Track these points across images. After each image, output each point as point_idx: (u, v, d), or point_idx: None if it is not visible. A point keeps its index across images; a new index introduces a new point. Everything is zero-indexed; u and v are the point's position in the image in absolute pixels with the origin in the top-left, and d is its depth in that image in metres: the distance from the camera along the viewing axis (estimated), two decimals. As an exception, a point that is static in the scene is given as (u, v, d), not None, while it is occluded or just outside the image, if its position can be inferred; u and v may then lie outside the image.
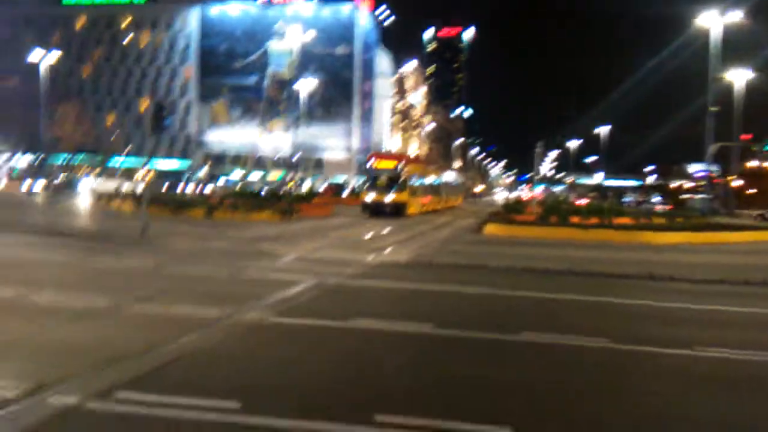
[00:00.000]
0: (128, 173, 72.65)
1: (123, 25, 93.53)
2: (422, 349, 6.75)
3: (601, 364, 6.47)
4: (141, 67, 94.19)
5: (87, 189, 50.65)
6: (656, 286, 12.05)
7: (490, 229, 22.62)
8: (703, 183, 45.95)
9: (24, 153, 72.52)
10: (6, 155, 71.87)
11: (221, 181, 70.47)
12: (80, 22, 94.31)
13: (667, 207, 53.82)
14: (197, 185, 62.49)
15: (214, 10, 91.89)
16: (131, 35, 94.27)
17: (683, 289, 11.82)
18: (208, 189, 58.63)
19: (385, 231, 21.85)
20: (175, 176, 78.28)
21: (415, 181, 34.03)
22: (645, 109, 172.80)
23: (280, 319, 7.68)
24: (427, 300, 9.89)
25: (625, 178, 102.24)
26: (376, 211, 30.35)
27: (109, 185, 53.69)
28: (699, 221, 26.03)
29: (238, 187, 58.18)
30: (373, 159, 35.22)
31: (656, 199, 75.14)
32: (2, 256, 12.52)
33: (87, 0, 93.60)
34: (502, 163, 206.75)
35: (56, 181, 51.23)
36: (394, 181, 31.41)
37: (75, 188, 50.78)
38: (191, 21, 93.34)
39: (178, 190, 59.83)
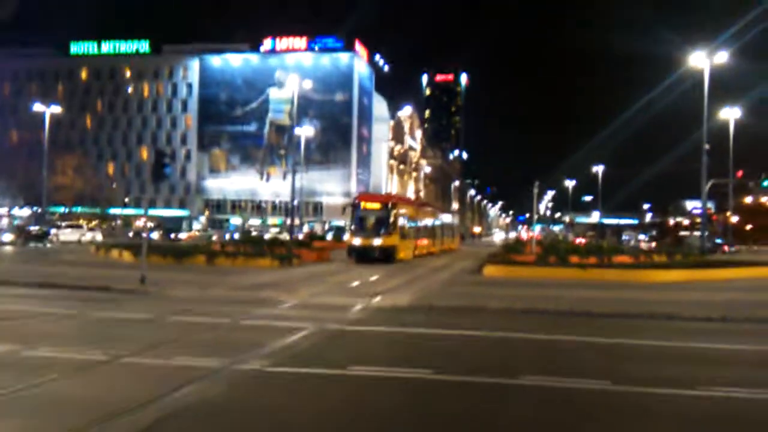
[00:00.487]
0: (127, 222, 72.91)
1: (126, 76, 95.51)
2: (421, 396, 6.71)
3: (603, 406, 6.43)
4: (143, 116, 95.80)
5: (85, 239, 50.64)
6: (657, 325, 12.03)
7: (490, 270, 22.62)
8: (699, 220, 46.21)
9: (24, 205, 72.91)
10: (5, 207, 72.20)
11: (217, 231, 70.60)
12: (84, 73, 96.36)
13: (652, 244, 54.33)
14: (206, 232, 62.85)
15: (216, 60, 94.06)
16: (133, 86, 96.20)
17: (684, 327, 11.79)
18: (215, 236, 58.77)
19: (384, 275, 21.84)
20: (174, 223, 78.55)
21: (407, 223, 31.73)
22: (640, 146, 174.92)
23: (279, 368, 7.63)
24: (426, 344, 9.84)
25: (622, 216, 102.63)
26: (363, 255, 27.81)
27: (109, 235, 53.84)
28: (698, 259, 26.07)
29: (237, 235, 58.42)
30: (357, 199, 31.13)
31: (642, 236, 75.54)
32: None
33: (93, 51, 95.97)
34: (500, 204, 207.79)
35: (61, 229, 50.68)
36: (382, 223, 28.60)
37: (72, 238, 50.05)
38: (193, 70, 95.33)
39: (180, 236, 60.06)
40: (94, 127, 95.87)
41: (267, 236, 42.87)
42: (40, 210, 61.23)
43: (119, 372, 7.40)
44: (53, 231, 46.32)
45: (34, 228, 42.33)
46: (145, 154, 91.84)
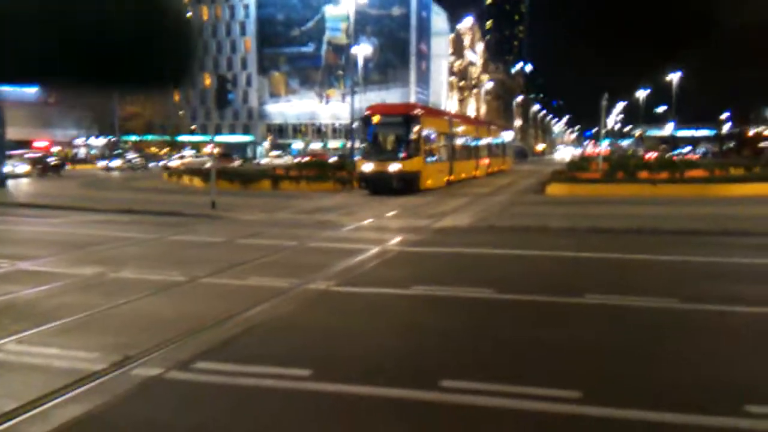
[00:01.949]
0: (196, 149, 75.16)
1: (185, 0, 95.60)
2: (485, 315, 6.85)
3: (669, 325, 6.37)
4: (203, 40, 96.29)
5: (159, 166, 52.94)
6: (729, 241, 11.60)
7: (553, 188, 22.18)
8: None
9: (98, 135, 76.17)
10: (83, 137, 75.67)
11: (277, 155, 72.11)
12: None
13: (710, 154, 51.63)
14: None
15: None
16: (192, 10, 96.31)
17: (760, 243, 11.33)
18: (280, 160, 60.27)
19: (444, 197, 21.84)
20: (241, 149, 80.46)
21: (437, 142, 25.92)
22: (719, 54, 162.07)
23: (345, 288, 7.92)
24: (487, 264, 9.92)
25: (698, 128, 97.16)
26: (377, 185, 22.31)
27: (178, 162, 55.95)
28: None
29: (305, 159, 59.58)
30: (368, 111, 23.93)
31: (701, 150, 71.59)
32: (81, 233, 13.38)
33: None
34: (566, 119, 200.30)
35: (132, 159, 53.78)
36: (400, 142, 22.77)
37: (147, 166, 53.25)
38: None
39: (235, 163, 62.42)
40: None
41: (331, 159, 42.72)
42: (114, 138, 64.04)
43: (198, 291, 7.89)
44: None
45: (51, 159, 44.46)
46: (208, 80, 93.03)
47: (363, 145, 24.21)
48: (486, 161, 36.14)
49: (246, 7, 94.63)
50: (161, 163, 56.07)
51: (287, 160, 65.69)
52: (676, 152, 66.23)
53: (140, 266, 9.29)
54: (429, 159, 24.17)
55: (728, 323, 6.41)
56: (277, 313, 6.79)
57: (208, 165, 48.73)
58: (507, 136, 47.79)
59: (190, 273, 8.65)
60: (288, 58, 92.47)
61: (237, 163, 55.22)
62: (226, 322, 6.31)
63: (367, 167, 22.57)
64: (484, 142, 36.25)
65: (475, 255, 10.71)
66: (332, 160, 37.86)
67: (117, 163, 51.02)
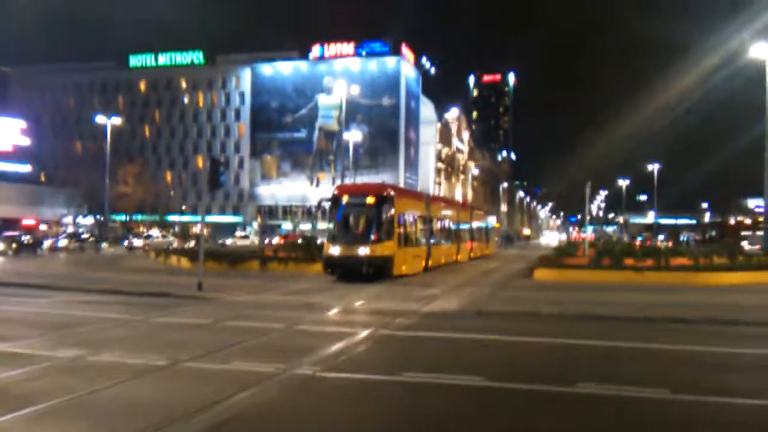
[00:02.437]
0: (184, 229, 75.16)
1: (182, 87, 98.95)
2: (474, 403, 6.67)
3: (663, 417, 6.25)
4: (198, 125, 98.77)
5: (146, 245, 52.57)
6: (719, 330, 11.58)
7: (541, 273, 22.25)
8: (761, 219, 43.98)
9: (87, 214, 76.17)
10: (71, 216, 75.56)
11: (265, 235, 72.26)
12: (143, 85, 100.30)
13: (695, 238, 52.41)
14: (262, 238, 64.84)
15: (266, 69, 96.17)
16: (189, 96, 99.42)
17: (748, 333, 11.32)
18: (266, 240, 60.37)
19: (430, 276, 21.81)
20: (229, 230, 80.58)
21: (414, 224, 24.09)
22: (695, 142, 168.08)
23: (332, 374, 7.74)
24: (477, 351, 9.78)
25: (679, 216, 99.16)
26: (344, 270, 20.26)
27: (164, 241, 55.67)
28: (763, 260, 24.92)
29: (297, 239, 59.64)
30: (337, 191, 22.23)
31: (690, 235, 72.81)
32: (59, 314, 13.10)
33: (150, 63, 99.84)
34: (550, 206, 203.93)
35: (84, 238, 52.55)
36: (371, 224, 20.63)
37: (99, 247, 51.16)
38: (245, 79, 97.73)
39: (227, 242, 62.42)
40: (153, 136, 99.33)
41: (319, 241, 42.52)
42: (102, 218, 63.97)
43: (180, 377, 7.66)
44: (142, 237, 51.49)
45: (26, 237, 44.15)
46: (200, 162, 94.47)
47: (329, 226, 22.12)
48: (468, 245, 34.70)
49: (242, 94, 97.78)
50: (125, 243, 55.05)
51: (253, 240, 65.96)
52: (683, 240, 68.04)
53: (122, 348, 9.06)
54: (404, 243, 22.32)
55: (720, 418, 6.29)
56: (261, 400, 6.59)
57: (174, 245, 48.41)
58: (491, 220, 46.84)
59: (173, 356, 8.43)
60: (280, 143, 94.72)
61: (192, 243, 53.58)
62: (207, 410, 6.10)
63: (335, 250, 20.53)
64: (466, 225, 34.86)
65: (463, 340, 10.57)
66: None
67: (64, 242, 48.93)
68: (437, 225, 28.01)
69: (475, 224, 37.72)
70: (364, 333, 10.71)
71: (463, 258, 32.80)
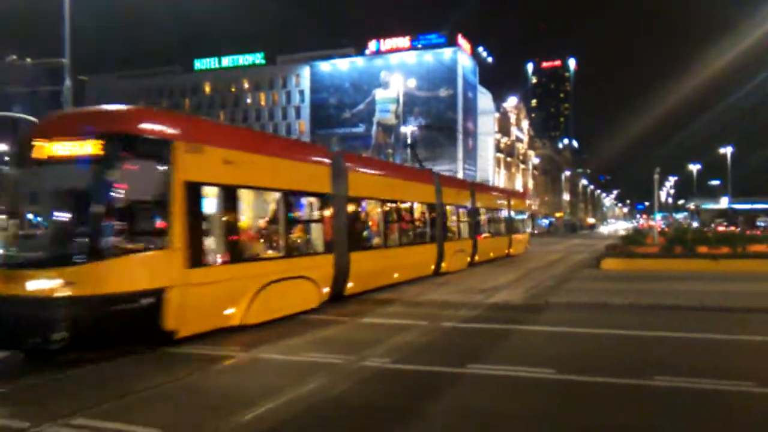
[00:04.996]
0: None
1: (244, 87, 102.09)
2: (545, 398, 6.55)
3: (748, 410, 5.98)
4: (261, 124, 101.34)
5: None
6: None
7: (609, 263, 21.60)
8: None
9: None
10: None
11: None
12: (207, 87, 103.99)
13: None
14: None
15: (325, 66, 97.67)
16: (251, 96, 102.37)
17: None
18: None
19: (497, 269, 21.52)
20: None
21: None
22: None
23: (398, 365, 7.79)
24: (545, 342, 9.61)
25: (756, 201, 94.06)
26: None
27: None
28: None
29: None
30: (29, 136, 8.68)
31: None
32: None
33: (214, 66, 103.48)
34: (615, 193, 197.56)
35: None
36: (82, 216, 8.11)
37: None
38: (304, 78, 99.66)
39: None
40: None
41: None
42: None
43: (256, 366, 7.90)
44: None
45: None
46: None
47: None
48: (520, 237, 30.94)
49: (301, 92, 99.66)
50: None
51: None
52: (761, 225, 64.47)
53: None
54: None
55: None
56: (330, 394, 6.71)
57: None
58: (518, 204, 32.29)
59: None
60: (340, 139, 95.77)
61: None
62: (282, 394, 6.28)
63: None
64: (521, 215, 31.49)
65: (531, 332, 10.41)
66: None
67: None
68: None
69: (523, 214, 33.11)
70: (428, 324, 10.72)
71: (518, 250, 30.11)
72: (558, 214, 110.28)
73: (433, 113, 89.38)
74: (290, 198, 11.66)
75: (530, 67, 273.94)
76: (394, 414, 6.02)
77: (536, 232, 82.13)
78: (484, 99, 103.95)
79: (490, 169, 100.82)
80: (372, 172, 16.34)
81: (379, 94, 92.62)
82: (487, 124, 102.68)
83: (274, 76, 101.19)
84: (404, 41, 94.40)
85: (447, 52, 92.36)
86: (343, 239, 13.28)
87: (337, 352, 8.47)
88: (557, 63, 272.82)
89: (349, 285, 13.68)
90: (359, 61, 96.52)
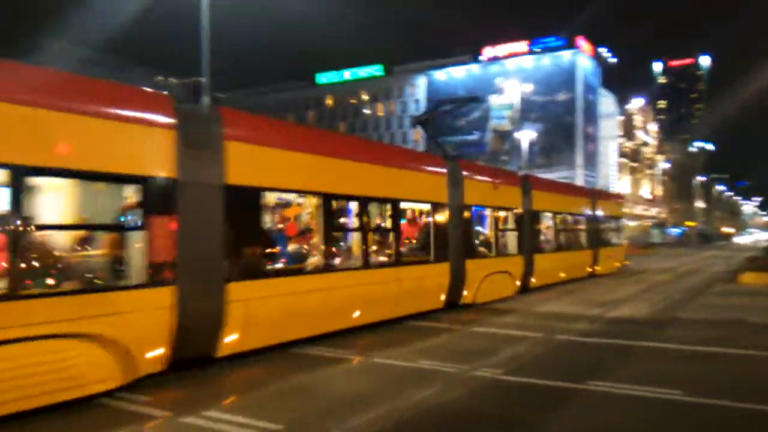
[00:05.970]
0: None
1: (363, 99, 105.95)
2: (672, 421, 6.14)
3: None
4: (378, 134, 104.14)
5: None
6: None
7: (748, 277, 19.81)
8: None
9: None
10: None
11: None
12: (329, 100, 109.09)
13: None
14: None
15: (440, 75, 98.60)
16: (369, 107, 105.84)
17: None
18: None
19: (620, 282, 20.44)
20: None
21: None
22: None
23: (511, 377, 7.68)
24: (672, 362, 9.00)
25: None
26: None
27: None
28: None
29: None
30: None
31: None
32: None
33: (335, 80, 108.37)
34: (757, 201, 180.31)
35: None
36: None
37: None
38: (419, 87, 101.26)
39: None
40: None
41: None
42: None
43: (366, 369, 8.15)
44: None
45: None
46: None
47: None
48: (609, 252, 23.92)
49: (417, 101, 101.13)
50: None
51: None
52: None
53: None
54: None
55: None
56: (445, 399, 6.75)
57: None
58: (607, 207, 24.72)
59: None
60: (454, 146, 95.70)
61: None
62: (392, 402, 6.42)
63: None
64: (609, 222, 24.65)
65: (656, 349, 9.79)
66: None
67: None
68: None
69: (615, 221, 25.87)
70: (542, 336, 10.44)
71: (606, 268, 23.35)
72: (689, 223, 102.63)
73: (550, 118, 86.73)
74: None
75: (658, 66, 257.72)
76: (507, 427, 5.95)
77: (665, 241, 76.85)
78: (606, 102, 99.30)
79: (612, 175, 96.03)
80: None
81: (494, 100, 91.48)
82: (609, 127, 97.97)
83: (390, 87, 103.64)
84: (521, 46, 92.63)
85: (566, 55, 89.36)
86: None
87: (448, 360, 8.50)
88: (688, 61, 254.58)
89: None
90: (474, 68, 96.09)
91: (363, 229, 10.66)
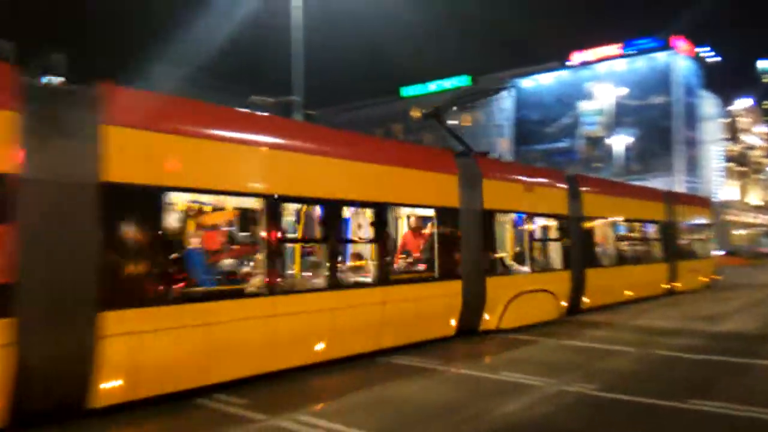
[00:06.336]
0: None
1: (449, 110, 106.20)
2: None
3: None
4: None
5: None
6: None
7: None
8: None
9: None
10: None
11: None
12: (414, 112, 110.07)
13: None
14: None
15: (528, 83, 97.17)
16: (455, 118, 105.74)
17: None
18: None
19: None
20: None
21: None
22: None
23: (605, 393, 7.46)
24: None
25: None
26: None
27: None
28: None
29: None
30: None
31: None
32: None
33: (420, 92, 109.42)
34: None
35: None
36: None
37: None
38: (505, 96, 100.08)
39: None
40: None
41: None
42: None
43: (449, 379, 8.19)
44: None
45: None
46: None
47: None
48: (696, 265, 20.85)
49: (503, 110, 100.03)
50: None
51: None
52: None
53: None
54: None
55: None
56: (535, 412, 6.69)
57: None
58: (690, 213, 21.52)
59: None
60: (543, 154, 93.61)
61: None
62: (480, 416, 6.44)
63: None
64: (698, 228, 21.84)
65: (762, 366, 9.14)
66: None
67: None
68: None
69: (699, 229, 22.08)
70: (638, 351, 10.02)
71: (689, 284, 19.92)
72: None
73: (645, 122, 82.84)
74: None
75: (764, 64, 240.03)
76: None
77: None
78: (708, 104, 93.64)
79: (716, 181, 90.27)
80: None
81: (585, 106, 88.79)
82: (711, 131, 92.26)
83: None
84: (613, 49, 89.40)
85: (660, 57, 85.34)
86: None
87: (535, 373, 8.37)
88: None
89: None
90: (563, 74, 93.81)
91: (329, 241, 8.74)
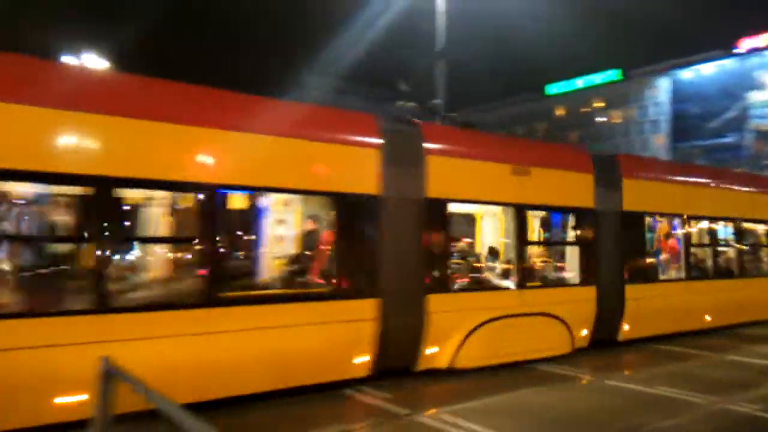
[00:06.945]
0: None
1: (595, 107, 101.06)
2: None
3: None
4: (613, 142, 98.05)
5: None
6: None
7: None
8: None
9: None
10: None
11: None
12: (559, 110, 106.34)
13: None
14: None
15: (686, 74, 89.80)
16: (603, 114, 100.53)
17: None
18: None
19: None
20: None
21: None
22: None
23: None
24: None
25: None
26: None
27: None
28: None
29: None
30: None
31: None
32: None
33: (565, 89, 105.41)
34: None
35: None
36: None
37: None
38: (661, 89, 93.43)
39: None
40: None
41: None
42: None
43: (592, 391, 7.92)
44: None
45: None
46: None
47: None
48: None
49: (657, 105, 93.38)
50: None
51: None
52: None
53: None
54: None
55: None
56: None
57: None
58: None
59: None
60: (704, 151, 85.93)
61: None
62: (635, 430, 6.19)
63: None
64: None
65: None
66: None
67: None
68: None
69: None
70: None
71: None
72: None
73: (832, 113, 72.92)
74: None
75: None
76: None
77: None
78: None
79: None
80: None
81: (755, 97, 79.98)
82: None
83: (627, 92, 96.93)
84: (790, 33, 79.73)
85: None
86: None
87: (695, 389, 7.81)
88: None
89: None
90: (728, 63, 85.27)
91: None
